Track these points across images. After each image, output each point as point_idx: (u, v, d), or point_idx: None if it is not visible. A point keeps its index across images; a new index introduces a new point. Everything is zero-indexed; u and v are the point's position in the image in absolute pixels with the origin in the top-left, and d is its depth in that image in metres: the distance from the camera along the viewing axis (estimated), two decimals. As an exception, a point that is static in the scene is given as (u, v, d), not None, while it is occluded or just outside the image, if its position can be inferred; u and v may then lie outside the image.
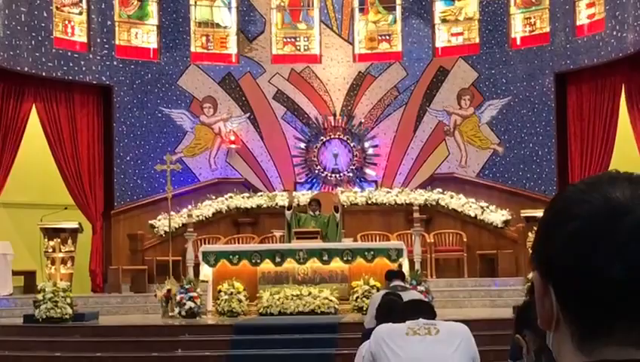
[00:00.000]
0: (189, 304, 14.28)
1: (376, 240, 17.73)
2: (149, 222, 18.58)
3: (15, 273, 17.06)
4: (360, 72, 20.13)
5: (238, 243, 18.02)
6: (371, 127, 19.98)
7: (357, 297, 14.33)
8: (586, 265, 1.11)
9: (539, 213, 15.86)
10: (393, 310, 5.77)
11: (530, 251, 1.23)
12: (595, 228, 1.12)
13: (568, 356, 1.16)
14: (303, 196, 18.57)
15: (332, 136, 20.00)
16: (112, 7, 19.25)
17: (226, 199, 19.07)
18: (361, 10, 20.54)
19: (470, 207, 18.50)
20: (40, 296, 13.86)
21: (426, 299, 10.35)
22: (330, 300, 14.39)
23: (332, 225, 15.88)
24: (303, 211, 16.57)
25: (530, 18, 19.35)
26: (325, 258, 14.84)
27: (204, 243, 17.07)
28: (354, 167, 19.89)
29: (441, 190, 18.88)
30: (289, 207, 16.23)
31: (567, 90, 18.54)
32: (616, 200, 1.13)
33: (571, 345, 1.15)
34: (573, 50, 18.25)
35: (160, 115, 19.57)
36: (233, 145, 19.84)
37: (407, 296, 7.71)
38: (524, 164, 19.05)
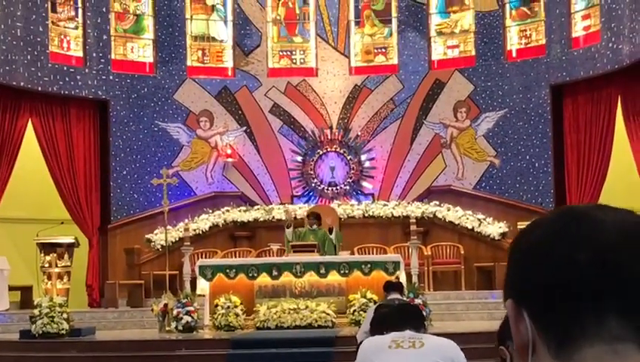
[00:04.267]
0: (186, 318, 14.23)
1: (373, 253, 17.71)
2: (146, 236, 18.54)
3: (11, 288, 17.03)
4: (356, 84, 20.14)
5: (235, 256, 17.98)
6: (368, 140, 19.98)
7: (354, 310, 14.26)
8: (552, 254, 1.17)
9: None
10: (385, 322, 5.73)
11: (503, 287, 1.26)
12: (557, 228, 1.19)
13: None
14: (300, 209, 18.55)
15: (328, 149, 19.99)
16: (108, 22, 19.27)
17: (223, 213, 19.04)
18: (357, 23, 20.56)
19: (467, 219, 18.47)
20: (36, 311, 13.80)
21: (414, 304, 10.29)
22: (327, 314, 14.34)
23: (329, 244, 15.82)
24: (301, 225, 16.51)
25: (525, 30, 19.37)
26: (322, 271, 14.78)
27: (201, 257, 17.00)
28: (351, 180, 19.88)
29: (438, 202, 18.85)
30: (288, 225, 16.10)
31: (564, 102, 18.54)
32: (572, 209, 1.22)
33: (550, 360, 1.16)
34: (569, 62, 18.27)
35: (156, 129, 19.56)
36: (230, 159, 19.82)
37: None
38: (520, 176, 19.04)
